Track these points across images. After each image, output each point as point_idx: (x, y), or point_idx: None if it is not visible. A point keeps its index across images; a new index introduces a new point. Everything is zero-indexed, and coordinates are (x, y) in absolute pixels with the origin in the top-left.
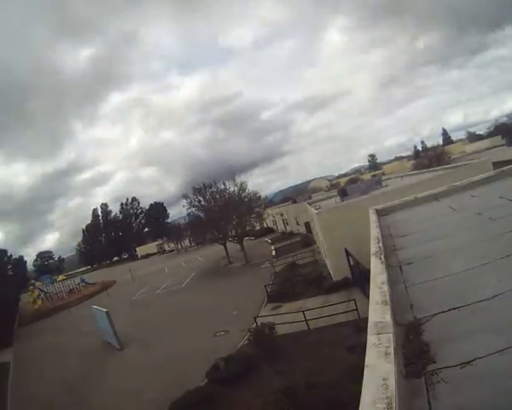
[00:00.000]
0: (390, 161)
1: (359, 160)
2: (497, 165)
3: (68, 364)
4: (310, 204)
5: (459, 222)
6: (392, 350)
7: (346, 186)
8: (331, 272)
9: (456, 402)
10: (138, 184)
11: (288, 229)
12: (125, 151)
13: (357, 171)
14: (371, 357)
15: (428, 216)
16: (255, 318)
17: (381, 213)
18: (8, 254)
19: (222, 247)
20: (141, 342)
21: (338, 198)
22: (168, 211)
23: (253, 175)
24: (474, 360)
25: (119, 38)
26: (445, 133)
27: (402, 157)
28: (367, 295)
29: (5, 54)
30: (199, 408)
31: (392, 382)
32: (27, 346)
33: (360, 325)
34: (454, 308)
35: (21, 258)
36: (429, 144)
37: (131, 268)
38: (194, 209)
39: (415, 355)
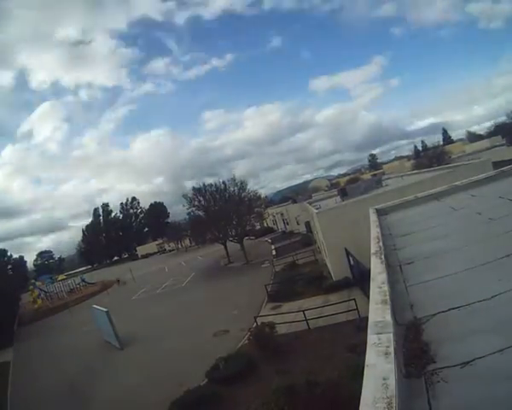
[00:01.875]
0: (390, 161)
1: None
2: (497, 165)
3: (68, 364)
4: (310, 204)
5: (459, 222)
6: (392, 350)
7: (346, 186)
8: (331, 272)
9: (456, 402)
10: None
11: (288, 228)
12: None
13: (357, 171)
14: (371, 357)
15: (428, 216)
16: (255, 317)
17: (380, 213)
18: (8, 254)
19: (222, 246)
20: (141, 341)
21: (338, 198)
22: (168, 211)
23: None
24: (474, 360)
25: None
26: (445, 133)
27: (402, 157)
28: (367, 295)
29: None
30: (199, 408)
31: (392, 382)
32: (27, 346)
33: (360, 325)
34: (454, 308)
35: (21, 258)
36: (429, 144)
37: (131, 268)
38: (194, 209)
39: (415, 355)
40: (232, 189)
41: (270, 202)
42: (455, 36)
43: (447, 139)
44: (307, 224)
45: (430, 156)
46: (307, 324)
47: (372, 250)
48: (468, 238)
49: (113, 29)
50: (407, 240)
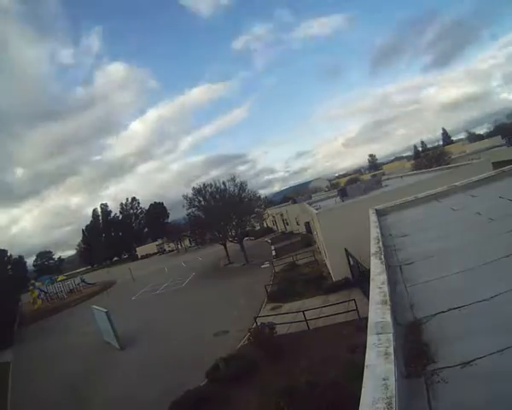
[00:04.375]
0: (390, 161)
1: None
2: (497, 165)
3: (68, 364)
4: (310, 204)
5: (459, 222)
6: (392, 350)
7: (346, 186)
8: (331, 272)
9: (456, 402)
10: None
11: (288, 229)
12: None
13: (357, 171)
14: (371, 357)
15: (428, 216)
16: (255, 318)
17: (380, 213)
18: (8, 254)
19: (222, 247)
20: (141, 342)
21: (338, 198)
22: (168, 211)
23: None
24: (474, 360)
25: None
26: (445, 133)
27: (402, 157)
28: (367, 295)
29: None
30: (199, 408)
31: (392, 382)
32: (27, 346)
33: (360, 325)
34: (454, 308)
35: (21, 258)
36: (429, 145)
37: (131, 268)
38: (194, 209)
39: (415, 355)
40: (232, 189)
41: (270, 202)
42: None
43: (447, 140)
44: (307, 224)
45: (430, 157)
46: (307, 324)
47: (372, 251)
48: (468, 239)
49: None
50: (407, 240)
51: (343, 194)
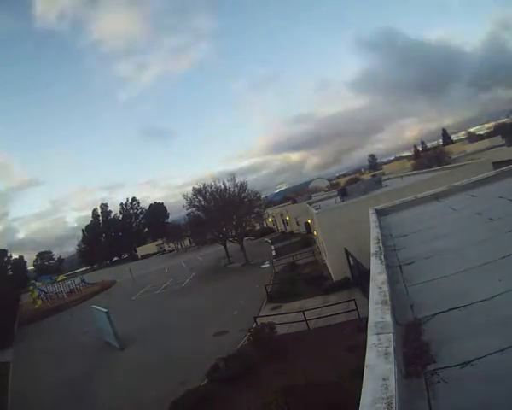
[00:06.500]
0: (390, 161)
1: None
2: (497, 165)
3: (68, 364)
4: (310, 204)
5: (459, 222)
6: (392, 350)
7: (346, 186)
8: (331, 272)
9: (456, 402)
10: None
11: (288, 229)
12: None
13: (357, 171)
14: (371, 357)
15: (428, 216)
16: (255, 318)
17: (380, 214)
18: (8, 254)
19: (222, 247)
20: (141, 341)
21: (338, 198)
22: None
23: None
24: (474, 360)
25: None
26: (445, 133)
27: (402, 157)
28: (367, 295)
29: None
30: (199, 408)
31: (392, 382)
32: (27, 346)
33: (360, 325)
34: (454, 308)
35: (21, 258)
36: (429, 144)
37: (131, 268)
38: (194, 209)
39: (415, 355)
40: (232, 189)
41: (270, 202)
42: None
43: (447, 140)
44: (307, 224)
45: (430, 157)
46: (307, 324)
47: (372, 251)
48: (468, 239)
49: None
50: (407, 240)
51: (343, 194)
